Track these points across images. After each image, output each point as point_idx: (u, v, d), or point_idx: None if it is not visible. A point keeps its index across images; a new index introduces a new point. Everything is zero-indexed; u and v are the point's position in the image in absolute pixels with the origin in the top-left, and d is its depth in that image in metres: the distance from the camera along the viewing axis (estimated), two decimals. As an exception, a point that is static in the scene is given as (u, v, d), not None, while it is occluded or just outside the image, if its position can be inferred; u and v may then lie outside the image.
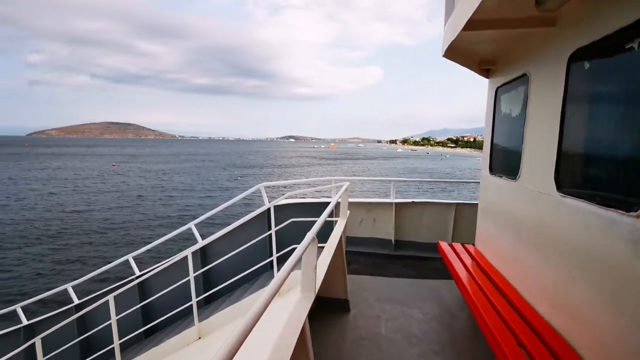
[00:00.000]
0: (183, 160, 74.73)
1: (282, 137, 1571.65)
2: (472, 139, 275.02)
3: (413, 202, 5.94)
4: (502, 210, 3.36)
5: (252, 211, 4.87)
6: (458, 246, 4.22)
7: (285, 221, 4.15)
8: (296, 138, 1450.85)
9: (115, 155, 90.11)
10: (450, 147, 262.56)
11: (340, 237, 3.38)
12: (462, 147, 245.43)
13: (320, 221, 2.15)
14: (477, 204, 5.72)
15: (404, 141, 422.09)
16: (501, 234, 3.32)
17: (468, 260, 3.78)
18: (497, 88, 3.64)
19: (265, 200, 4.86)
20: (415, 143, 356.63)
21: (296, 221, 4.04)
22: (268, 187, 5.08)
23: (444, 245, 4.31)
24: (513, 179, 3.04)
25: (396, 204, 5.88)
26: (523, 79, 2.97)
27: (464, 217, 5.78)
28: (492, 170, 3.71)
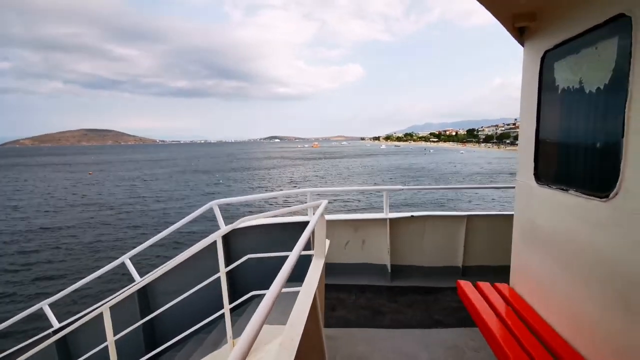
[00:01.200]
0: (163, 166, 72.56)
1: (266, 138, 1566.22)
2: (454, 133, 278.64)
3: (412, 216, 4.67)
4: (570, 246, 2.14)
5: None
6: (487, 287, 3.04)
7: (245, 250, 3.14)
8: (280, 138, 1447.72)
9: (92, 164, 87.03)
10: (433, 141, 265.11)
11: (315, 292, 2.10)
12: (444, 141, 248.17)
13: (272, 294, 1.17)
14: (495, 215, 4.61)
15: (387, 137, 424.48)
16: (569, 280, 2.17)
17: (502, 309, 2.67)
18: (546, 52, 2.45)
19: (221, 222, 3.78)
20: (399, 139, 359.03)
21: (254, 258, 2.98)
22: (224, 205, 3.94)
23: (466, 285, 3.10)
24: (600, 198, 1.90)
25: (391, 219, 4.61)
26: (616, 25, 1.83)
27: (478, 233, 4.58)
28: (542, 178, 2.54)
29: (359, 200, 26.28)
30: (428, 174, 48.72)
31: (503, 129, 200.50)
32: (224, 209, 3.87)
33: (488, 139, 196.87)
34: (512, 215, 4.50)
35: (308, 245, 2.45)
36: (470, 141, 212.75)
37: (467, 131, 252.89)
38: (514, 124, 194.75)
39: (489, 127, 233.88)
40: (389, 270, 4.61)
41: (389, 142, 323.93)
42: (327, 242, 2.95)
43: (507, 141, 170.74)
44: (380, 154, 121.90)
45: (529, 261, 2.70)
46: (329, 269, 4.42)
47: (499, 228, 4.42)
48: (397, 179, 43.19)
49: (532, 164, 2.62)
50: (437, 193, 27.85)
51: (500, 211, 4.66)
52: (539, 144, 2.57)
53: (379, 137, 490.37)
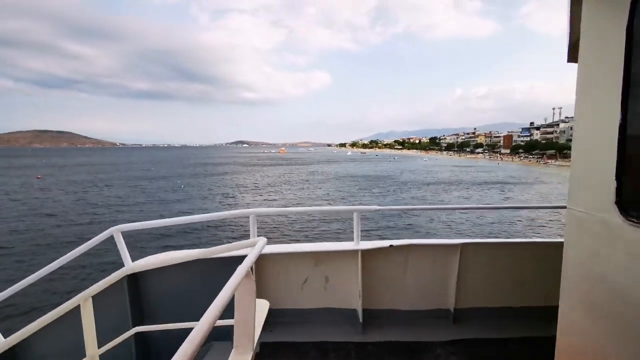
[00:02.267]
0: (120, 170, 68.80)
1: (232, 143, 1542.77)
2: (417, 141, 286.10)
3: (392, 246, 3.56)
4: None
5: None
6: None
7: (154, 303, 2.26)
8: (247, 143, 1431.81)
9: (42, 167, 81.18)
10: (397, 149, 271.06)
11: None
12: (408, 149, 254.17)
13: None
14: (495, 243, 3.69)
15: (353, 144, 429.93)
16: None
17: None
18: None
19: (125, 256, 2.83)
20: (364, 146, 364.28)
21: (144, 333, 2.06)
22: (129, 232, 2.87)
23: None
24: None
25: (364, 251, 3.49)
26: None
27: (474, 265, 3.62)
28: (637, 211, 1.49)
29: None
30: (396, 181, 49.11)
31: (463, 137, 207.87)
32: (133, 236, 3.02)
33: (449, 147, 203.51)
34: (517, 243, 3.67)
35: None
36: (433, 149, 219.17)
37: (430, 139, 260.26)
38: (474, 133, 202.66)
39: (450, 135, 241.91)
40: (360, 319, 3.51)
41: (355, 149, 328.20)
42: (265, 306, 2.05)
43: (467, 149, 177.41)
44: (347, 160, 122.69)
45: (598, 341, 1.66)
46: (279, 316, 3.49)
47: (499, 259, 3.64)
48: (363, 185, 43.08)
49: (613, 185, 1.56)
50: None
51: (498, 237, 3.89)
52: (629, 150, 1.53)
53: (345, 143, 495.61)
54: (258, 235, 3.28)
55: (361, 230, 3.52)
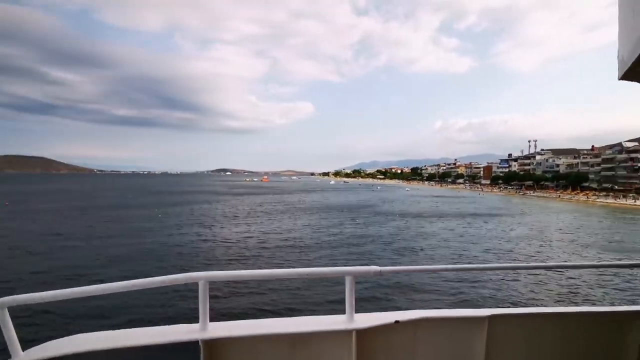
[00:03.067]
0: (94, 197, 66.22)
1: (215, 170, 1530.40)
2: (399, 171, 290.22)
3: (397, 322, 2.48)
4: None
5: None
6: None
7: None
8: (230, 171, 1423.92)
9: (11, 194, 77.45)
10: (379, 178, 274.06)
11: None
12: (390, 179, 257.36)
13: None
14: (534, 314, 2.68)
15: (336, 173, 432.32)
16: None
17: None
18: None
19: (13, 345, 1.84)
20: (347, 175, 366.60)
21: None
22: (26, 305, 1.89)
23: None
24: None
25: (359, 330, 2.37)
26: None
27: (507, 343, 2.64)
28: None
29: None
30: (379, 211, 48.48)
31: (444, 168, 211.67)
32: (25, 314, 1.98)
33: (431, 177, 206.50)
34: (565, 313, 2.72)
35: None
36: (415, 179, 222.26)
37: (412, 169, 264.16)
38: (454, 164, 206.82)
39: (431, 166, 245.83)
40: None
41: (338, 178, 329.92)
42: None
43: (449, 180, 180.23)
44: (330, 189, 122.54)
45: None
46: None
47: (541, 333, 2.68)
48: (346, 215, 42.20)
49: None
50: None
51: (537, 306, 2.81)
52: None
53: (328, 172, 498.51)
54: (211, 308, 2.17)
55: (355, 295, 2.39)
